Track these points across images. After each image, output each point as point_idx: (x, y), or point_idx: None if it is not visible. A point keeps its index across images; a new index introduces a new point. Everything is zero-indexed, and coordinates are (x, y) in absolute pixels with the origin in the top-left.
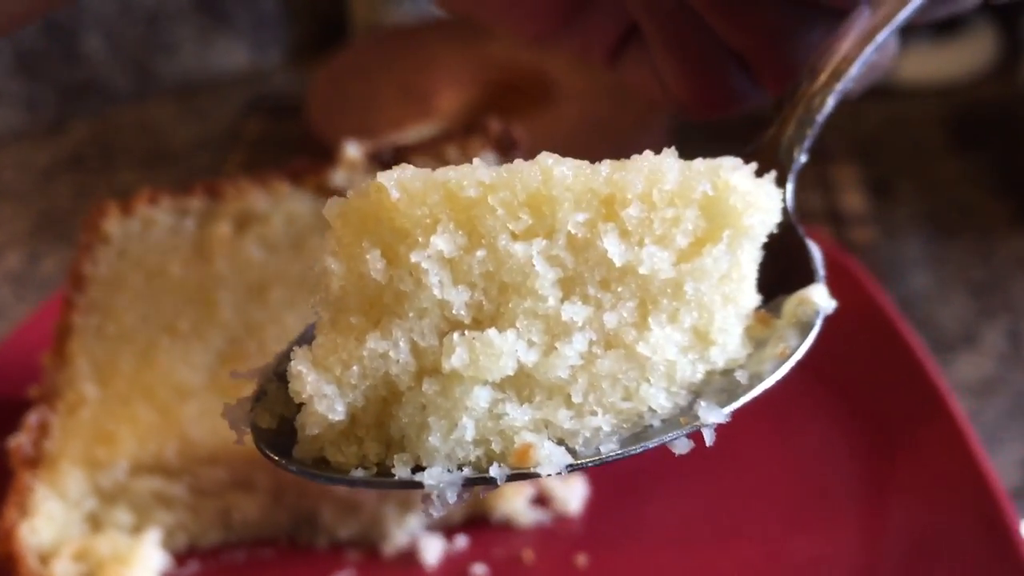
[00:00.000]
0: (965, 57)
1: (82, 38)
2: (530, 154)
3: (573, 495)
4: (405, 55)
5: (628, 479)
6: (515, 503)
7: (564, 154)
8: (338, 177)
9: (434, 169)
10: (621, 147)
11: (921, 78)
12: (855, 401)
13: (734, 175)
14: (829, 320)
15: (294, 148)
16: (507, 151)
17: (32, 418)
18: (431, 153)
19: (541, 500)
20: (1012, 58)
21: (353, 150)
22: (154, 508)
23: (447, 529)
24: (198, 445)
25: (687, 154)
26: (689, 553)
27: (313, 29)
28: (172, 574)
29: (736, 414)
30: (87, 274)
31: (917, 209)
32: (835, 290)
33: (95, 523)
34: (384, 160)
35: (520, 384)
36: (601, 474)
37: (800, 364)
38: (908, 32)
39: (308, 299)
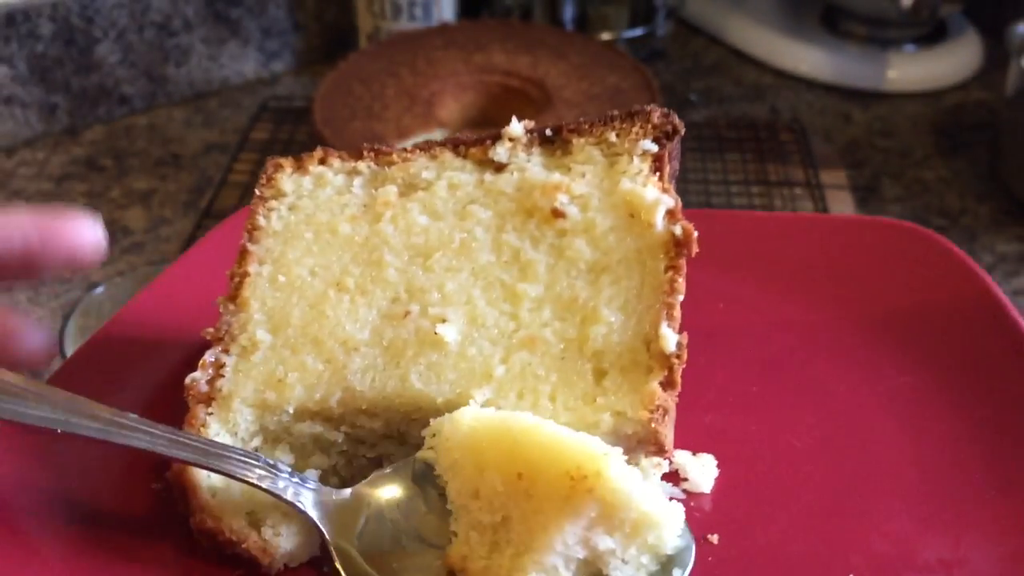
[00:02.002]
0: (951, 63)
1: (96, 46)
2: None
3: (706, 474)
4: (409, 62)
5: (758, 462)
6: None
7: None
8: (500, 151)
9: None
10: None
11: (907, 84)
12: (979, 398)
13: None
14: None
15: (302, 153)
16: (669, 138)
17: (209, 357)
18: (593, 135)
19: (673, 477)
20: (997, 64)
21: (517, 127)
22: (312, 451)
23: None
24: (360, 397)
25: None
26: (819, 543)
27: (320, 37)
28: None
29: (861, 408)
30: (262, 226)
31: (903, 212)
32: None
33: None
34: (545, 136)
35: None
36: (731, 455)
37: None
38: (895, 40)
39: (467, 266)
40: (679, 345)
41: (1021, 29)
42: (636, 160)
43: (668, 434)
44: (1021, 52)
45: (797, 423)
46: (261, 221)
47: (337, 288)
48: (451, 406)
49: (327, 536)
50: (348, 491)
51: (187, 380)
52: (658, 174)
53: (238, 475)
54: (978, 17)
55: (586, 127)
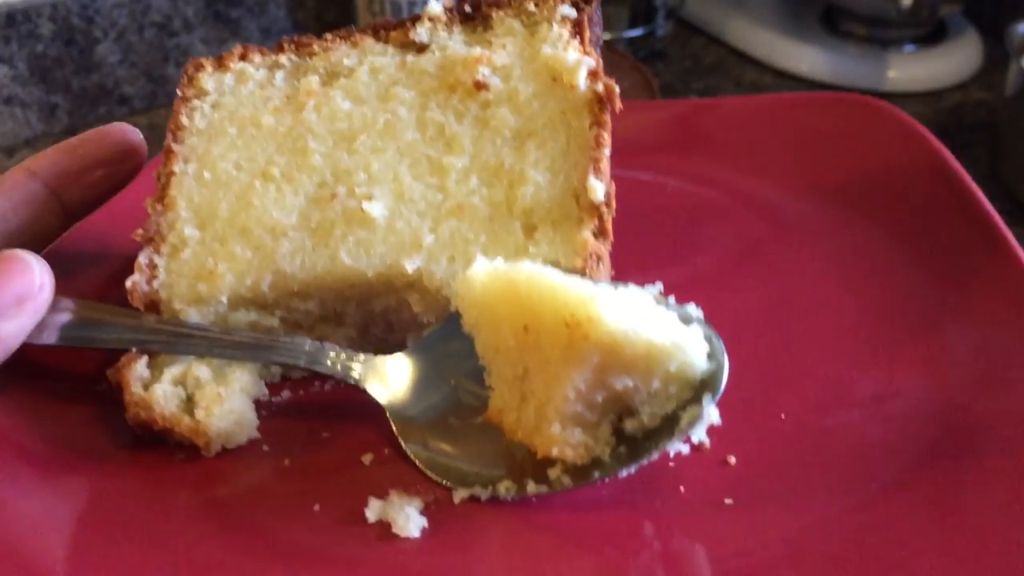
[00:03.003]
0: (951, 64)
1: (96, 46)
2: None
3: None
4: None
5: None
6: None
7: None
8: (420, 32)
9: None
10: None
11: (907, 84)
12: (924, 254)
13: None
14: (889, 166)
15: None
16: (587, 2)
17: (143, 259)
18: (511, 7)
19: None
20: (997, 64)
21: (436, 6)
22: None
23: None
24: (291, 279)
25: None
26: (753, 390)
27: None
28: (266, 401)
29: (801, 265)
30: (185, 125)
31: None
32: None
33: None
34: (465, 14)
35: None
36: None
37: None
38: (895, 40)
39: (392, 145)
40: (607, 195)
41: (1021, 29)
42: (555, 27)
43: (604, 281)
44: (1021, 52)
45: (745, 289)
46: (184, 120)
47: (263, 178)
48: (382, 279)
49: (382, 404)
50: (398, 355)
51: (128, 284)
52: (578, 38)
53: (288, 362)
54: (978, 17)
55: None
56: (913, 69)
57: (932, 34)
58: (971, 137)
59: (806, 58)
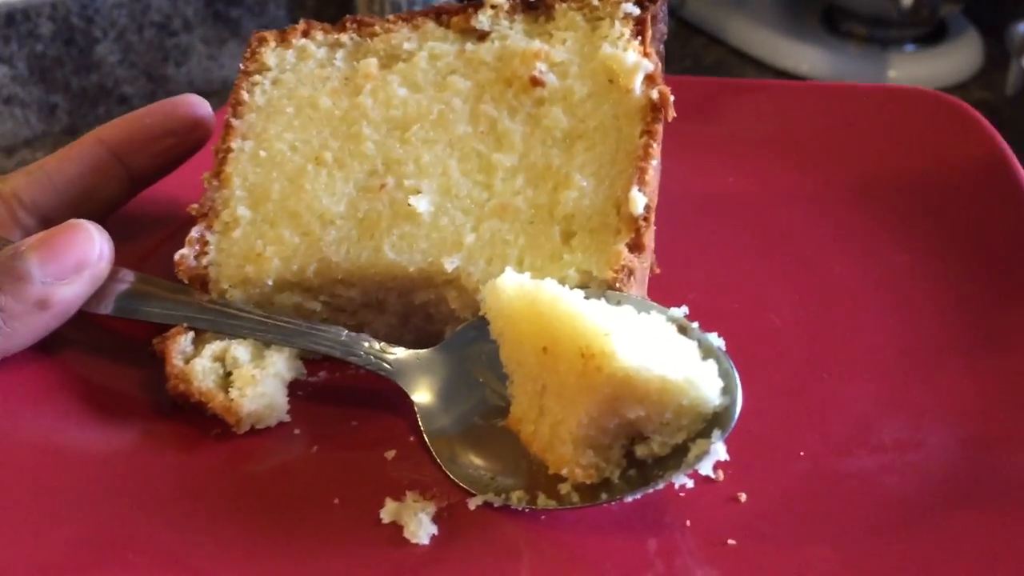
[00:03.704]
0: (951, 63)
1: (95, 46)
2: None
3: None
4: None
5: (733, 341)
6: None
7: None
8: (482, 19)
9: None
10: None
11: (908, 84)
12: (973, 275)
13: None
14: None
15: None
16: (652, 0)
17: (195, 234)
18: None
19: None
20: (997, 64)
21: None
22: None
23: None
24: (335, 267)
25: None
26: (776, 423)
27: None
28: (303, 381)
29: (840, 276)
30: (245, 101)
31: None
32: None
33: None
34: (528, 3)
35: None
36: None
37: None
38: (895, 40)
39: (444, 137)
40: (647, 208)
41: (1021, 29)
42: (618, 24)
43: (635, 294)
44: (1021, 52)
45: (781, 301)
46: (245, 96)
47: (316, 162)
48: (423, 275)
49: (411, 397)
50: (430, 351)
51: (176, 256)
52: (640, 38)
53: (324, 351)
54: (978, 17)
55: None
56: (914, 69)
57: (932, 34)
58: None
59: (806, 58)
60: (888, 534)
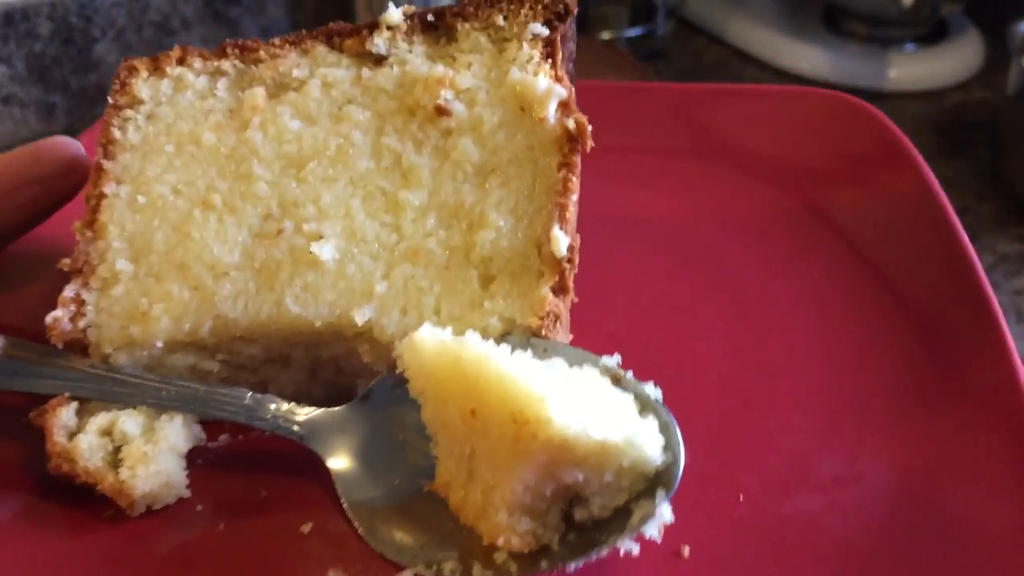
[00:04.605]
0: (952, 63)
1: (94, 45)
2: None
3: None
4: None
5: (661, 372)
6: None
7: None
8: (378, 42)
9: None
10: None
11: (909, 83)
12: (900, 290)
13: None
14: (891, 218)
15: None
16: (561, 20)
17: (68, 293)
18: (479, 19)
19: None
20: (998, 64)
21: (396, 14)
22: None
23: None
24: (233, 324)
25: None
26: (713, 463)
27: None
28: (203, 447)
29: (775, 311)
30: (117, 139)
31: None
32: (898, 189)
33: None
34: (428, 23)
35: None
36: (634, 365)
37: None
38: (896, 39)
39: (345, 175)
40: (571, 249)
41: (1022, 28)
42: (526, 46)
43: (561, 339)
44: (1022, 51)
45: (707, 328)
46: (116, 134)
47: (203, 207)
48: (331, 328)
49: (326, 463)
50: (343, 409)
51: (48, 320)
52: (550, 60)
53: (226, 417)
54: (979, 16)
55: (471, 10)
56: (914, 68)
57: (933, 33)
58: (972, 136)
59: (807, 57)
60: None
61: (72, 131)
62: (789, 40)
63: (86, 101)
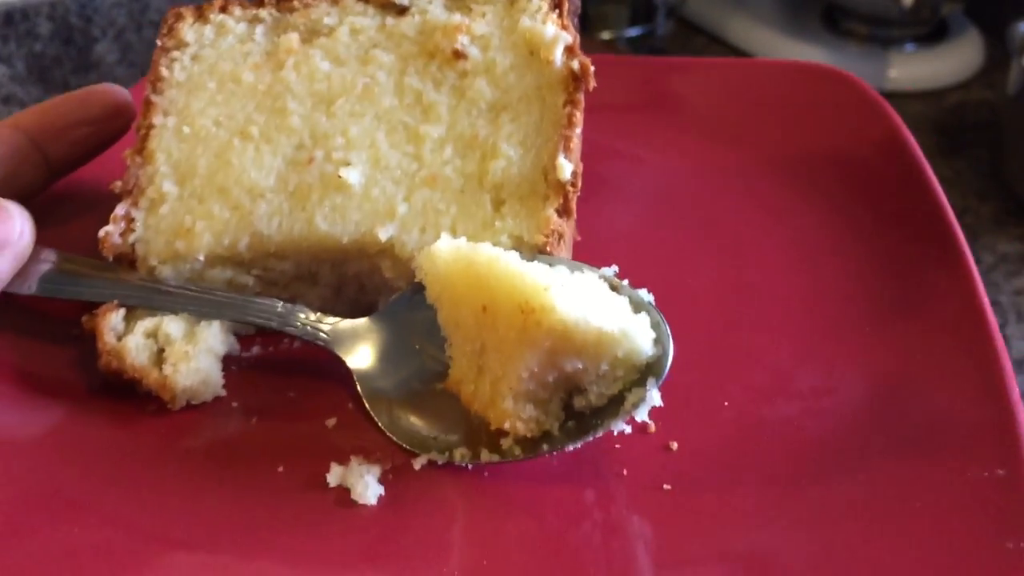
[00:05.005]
0: (952, 63)
1: (94, 45)
2: None
3: None
4: None
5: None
6: None
7: None
8: None
9: None
10: None
11: (909, 83)
12: (876, 237)
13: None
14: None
15: None
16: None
17: (119, 211)
18: None
19: None
20: (998, 64)
21: None
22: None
23: None
24: (267, 240)
25: None
26: (699, 375)
27: None
28: (236, 356)
29: (763, 249)
30: (165, 77)
31: None
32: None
33: None
34: None
35: None
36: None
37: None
38: (896, 39)
39: (370, 110)
40: (574, 174)
41: (1022, 28)
42: None
43: (564, 256)
44: (1022, 51)
45: (698, 266)
46: (164, 72)
47: (241, 137)
48: (356, 245)
49: (349, 368)
50: (366, 320)
51: (100, 234)
52: (557, 11)
53: (259, 323)
54: (979, 16)
55: None
56: (914, 68)
57: (933, 33)
58: (973, 136)
59: (806, 57)
60: (808, 473)
61: None
62: (789, 40)
63: None
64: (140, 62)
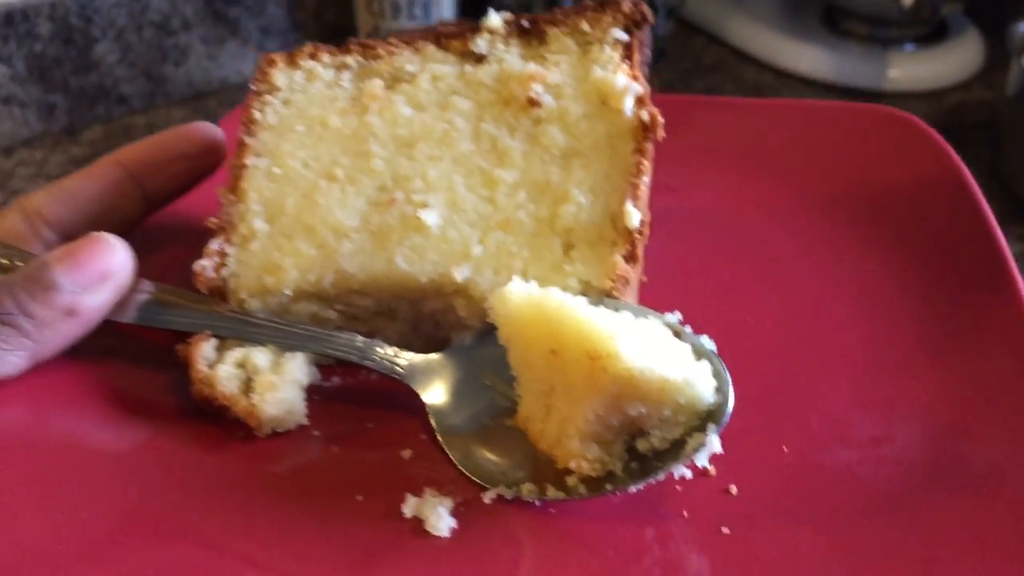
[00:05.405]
0: (952, 63)
1: (94, 45)
2: None
3: None
4: None
5: (716, 344)
6: None
7: None
8: (479, 43)
9: None
10: None
11: (908, 84)
12: (935, 283)
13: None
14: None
15: None
16: (638, 27)
17: (214, 245)
18: (567, 25)
19: None
20: (998, 64)
21: (496, 19)
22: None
23: None
24: (350, 278)
25: None
26: (760, 419)
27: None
28: (318, 386)
29: (822, 292)
30: (257, 120)
31: None
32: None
33: None
34: (523, 28)
35: None
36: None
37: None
38: (896, 39)
39: (448, 154)
40: (642, 222)
41: (1022, 28)
42: (607, 49)
43: (630, 301)
44: (1022, 51)
45: (759, 306)
46: (257, 115)
47: (328, 178)
48: (433, 285)
49: (424, 402)
50: (440, 355)
51: (195, 267)
52: (628, 62)
53: (340, 356)
54: (979, 16)
55: (560, 17)
56: (914, 68)
57: (933, 33)
58: (972, 137)
59: (806, 57)
60: (865, 519)
61: (72, 131)
62: (789, 40)
63: (86, 101)
64: (140, 63)
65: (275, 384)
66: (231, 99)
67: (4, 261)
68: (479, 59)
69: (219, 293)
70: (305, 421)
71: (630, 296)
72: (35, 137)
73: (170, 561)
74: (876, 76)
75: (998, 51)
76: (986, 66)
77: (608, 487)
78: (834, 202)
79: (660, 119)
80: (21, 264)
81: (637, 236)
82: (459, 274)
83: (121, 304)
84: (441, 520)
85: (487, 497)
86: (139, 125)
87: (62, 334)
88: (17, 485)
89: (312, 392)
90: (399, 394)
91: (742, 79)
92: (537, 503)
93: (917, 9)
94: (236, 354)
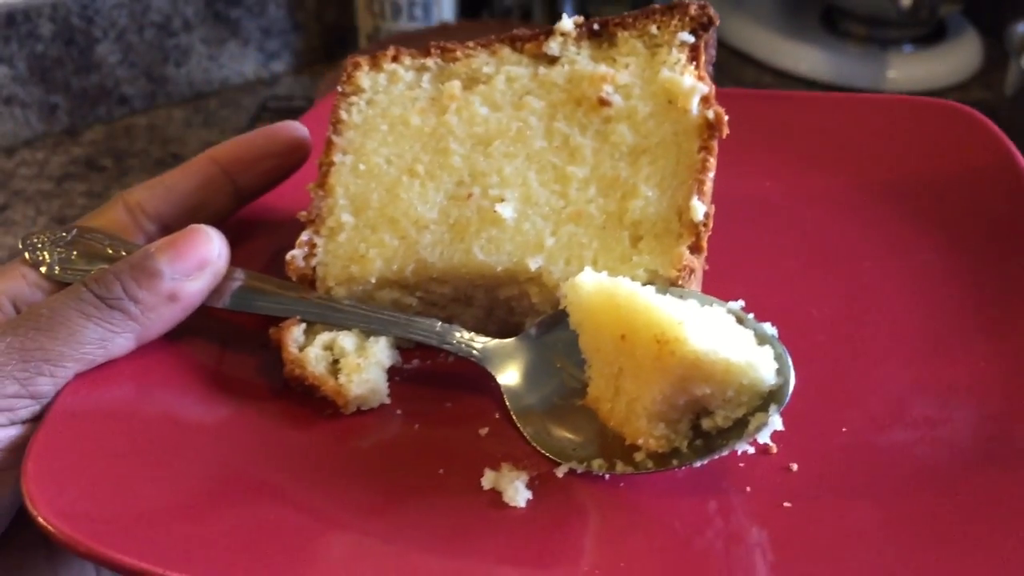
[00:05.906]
0: (950, 63)
1: (96, 46)
2: None
3: None
4: None
5: (779, 332)
6: None
7: None
8: (552, 45)
9: None
10: None
11: (907, 84)
12: (992, 273)
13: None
14: (968, 174)
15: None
16: (704, 29)
17: (304, 237)
18: (636, 28)
19: None
20: (996, 64)
21: (568, 23)
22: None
23: None
24: (430, 267)
25: None
26: (821, 402)
27: (320, 37)
28: (399, 367)
29: (884, 281)
30: (344, 119)
31: None
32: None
33: None
34: (593, 31)
35: None
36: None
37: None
38: (894, 40)
39: (522, 151)
40: (706, 215)
41: (1021, 29)
42: (675, 51)
43: (695, 289)
44: (1020, 52)
45: (819, 295)
46: (343, 115)
47: (409, 174)
48: (508, 273)
49: (499, 383)
50: (514, 340)
51: (287, 257)
52: (695, 63)
53: (420, 339)
54: (977, 17)
55: (630, 21)
56: (913, 69)
57: (932, 34)
58: None
59: (806, 58)
60: (919, 496)
61: (73, 132)
62: (788, 40)
63: (87, 101)
64: (141, 64)
65: (360, 366)
66: (232, 99)
67: (111, 251)
68: (552, 61)
69: (308, 281)
70: (388, 400)
71: (695, 285)
72: (36, 137)
73: (264, 521)
74: (875, 77)
75: (996, 52)
76: (984, 67)
77: (674, 462)
78: (892, 193)
79: (725, 117)
80: (126, 254)
81: (702, 228)
82: (533, 264)
83: (217, 291)
84: (518, 493)
85: (560, 471)
86: (140, 125)
87: (164, 318)
88: (126, 452)
89: (394, 373)
90: (475, 376)
91: (741, 80)
92: (607, 477)
93: (915, 10)
94: (324, 338)
